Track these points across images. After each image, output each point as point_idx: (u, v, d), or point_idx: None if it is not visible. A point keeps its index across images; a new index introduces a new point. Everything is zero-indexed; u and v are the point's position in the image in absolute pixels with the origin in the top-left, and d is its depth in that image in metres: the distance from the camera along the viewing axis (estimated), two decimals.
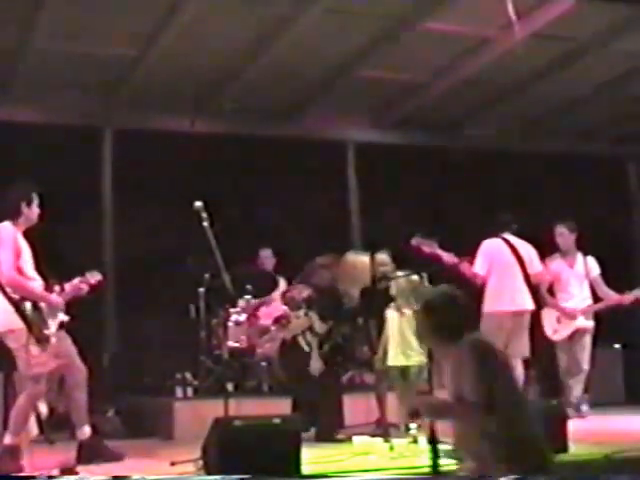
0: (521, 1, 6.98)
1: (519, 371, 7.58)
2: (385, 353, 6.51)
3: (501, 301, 7.50)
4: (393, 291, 6.52)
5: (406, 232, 7.45)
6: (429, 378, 6.20)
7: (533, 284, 7.68)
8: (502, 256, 7.65)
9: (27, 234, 5.78)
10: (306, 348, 6.87)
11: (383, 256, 6.97)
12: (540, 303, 7.96)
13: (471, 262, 7.49)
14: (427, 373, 6.29)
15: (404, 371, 6.43)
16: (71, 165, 8.60)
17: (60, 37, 7.61)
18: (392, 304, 6.51)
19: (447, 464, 5.07)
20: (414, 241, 7.07)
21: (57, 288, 5.80)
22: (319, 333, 6.89)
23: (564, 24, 7.64)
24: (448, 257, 7.20)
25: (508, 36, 7.25)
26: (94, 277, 5.98)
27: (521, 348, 7.52)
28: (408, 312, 6.42)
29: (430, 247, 7.13)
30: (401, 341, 6.40)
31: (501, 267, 7.61)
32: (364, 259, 6.78)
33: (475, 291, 7.64)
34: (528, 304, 7.57)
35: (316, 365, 6.79)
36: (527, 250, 7.81)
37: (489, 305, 7.65)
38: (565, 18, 7.50)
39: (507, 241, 7.85)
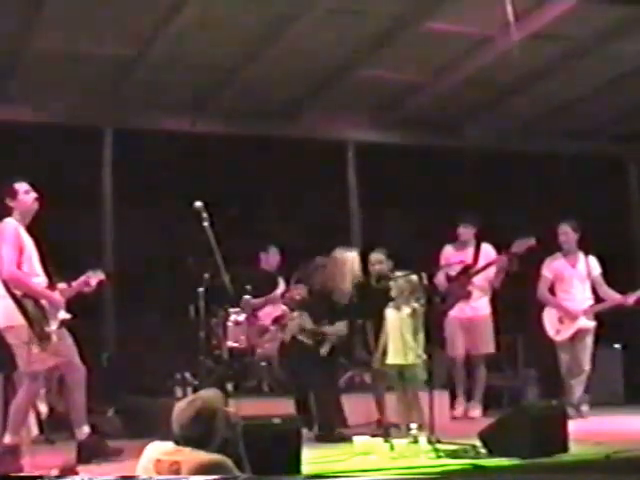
0: (521, 1, 6.98)
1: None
2: (384, 352, 6.51)
3: None
4: (393, 293, 6.52)
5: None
6: (428, 378, 6.18)
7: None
8: None
9: (32, 230, 5.79)
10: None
11: (378, 255, 6.99)
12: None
13: None
14: (426, 373, 6.27)
15: (401, 371, 6.43)
16: (71, 165, 8.60)
17: (60, 37, 7.60)
18: (391, 303, 6.52)
19: (448, 464, 5.12)
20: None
21: (60, 286, 5.81)
22: (311, 333, 6.89)
23: (564, 24, 7.63)
24: None
25: (508, 36, 7.24)
26: (97, 276, 6.00)
27: None
28: (407, 311, 6.43)
29: None
30: (399, 340, 6.41)
31: None
32: (353, 254, 6.89)
33: None
34: None
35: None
36: None
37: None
38: (565, 18, 7.49)
39: None
